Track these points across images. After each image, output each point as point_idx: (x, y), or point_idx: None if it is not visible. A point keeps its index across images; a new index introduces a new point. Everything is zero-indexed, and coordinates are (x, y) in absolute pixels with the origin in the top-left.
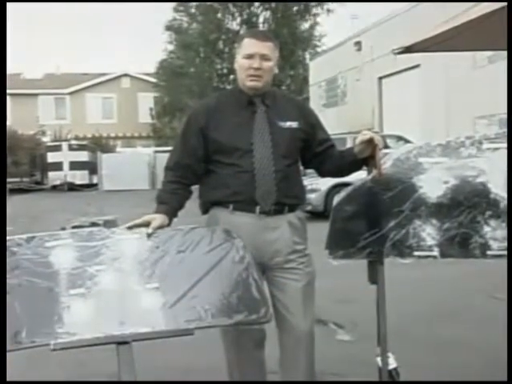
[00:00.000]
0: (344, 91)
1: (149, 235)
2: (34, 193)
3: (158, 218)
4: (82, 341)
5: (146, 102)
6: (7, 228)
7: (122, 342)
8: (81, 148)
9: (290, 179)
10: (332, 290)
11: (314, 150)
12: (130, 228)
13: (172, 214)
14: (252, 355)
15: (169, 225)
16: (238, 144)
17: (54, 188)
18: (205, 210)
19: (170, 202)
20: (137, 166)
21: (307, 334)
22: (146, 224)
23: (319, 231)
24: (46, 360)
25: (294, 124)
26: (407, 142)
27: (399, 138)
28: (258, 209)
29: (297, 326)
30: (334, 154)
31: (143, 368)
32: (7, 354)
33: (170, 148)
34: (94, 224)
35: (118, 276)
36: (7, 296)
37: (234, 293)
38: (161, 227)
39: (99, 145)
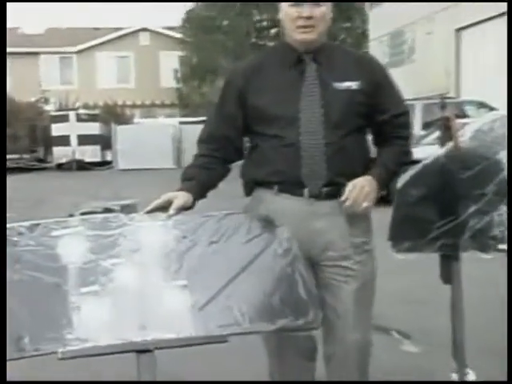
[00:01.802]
0: (412, 47)
1: (169, 217)
2: (36, 172)
3: (181, 197)
4: (96, 348)
5: (170, 62)
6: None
7: (143, 351)
8: (91, 118)
9: (347, 153)
10: (396, 291)
11: (376, 118)
12: (149, 212)
13: (198, 192)
14: (299, 369)
15: (192, 206)
16: (280, 111)
17: (60, 167)
18: (248, 191)
19: (197, 178)
20: (159, 140)
21: (359, 347)
22: (167, 204)
23: (380, 219)
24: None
25: (353, 85)
26: (491, 109)
27: (481, 105)
28: (306, 191)
29: (347, 335)
30: (391, 133)
31: (166, 379)
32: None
33: (198, 118)
34: (107, 210)
35: (138, 271)
36: (7, 295)
37: (277, 292)
38: (184, 208)
39: (113, 115)
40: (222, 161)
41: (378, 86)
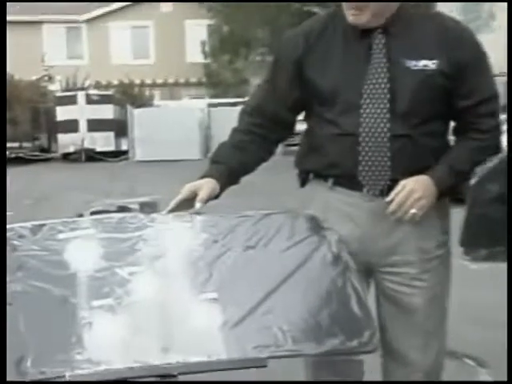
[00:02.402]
0: (491, 12)
1: (193, 213)
2: (39, 164)
3: (206, 186)
4: (110, 373)
5: (197, 33)
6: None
7: (165, 376)
8: (104, 100)
9: (417, 148)
10: (468, 307)
11: (456, 104)
12: (172, 211)
13: (228, 179)
14: None
15: (218, 195)
16: (340, 93)
17: (66, 157)
18: (302, 182)
19: (229, 161)
20: (183, 125)
21: (428, 375)
22: (192, 197)
23: (451, 220)
24: None
25: (430, 63)
26: None
27: None
28: (365, 188)
29: (413, 361)
30: (472, 123)
31: None
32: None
33: (230, 100)
34: (123, 208)
35: (160, 282)
36: (7, 307)
37: (325, 308)
38: (211, 198)
39: (129, 95)
40: (263, 139)
41: (465, 66)
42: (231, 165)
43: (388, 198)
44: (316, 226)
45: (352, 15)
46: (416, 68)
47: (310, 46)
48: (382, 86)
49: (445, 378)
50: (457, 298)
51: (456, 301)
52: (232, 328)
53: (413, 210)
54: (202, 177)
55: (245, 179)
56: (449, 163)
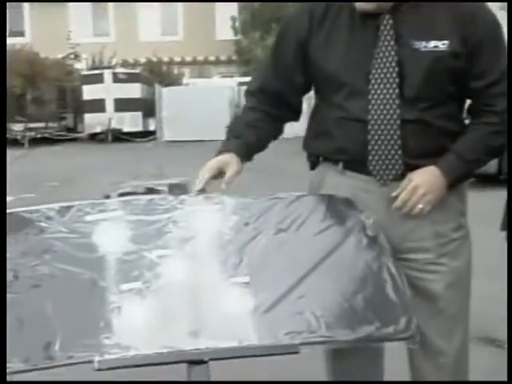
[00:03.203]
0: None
1: (227, 196)
2: (65, 144)
3: (231, 162)
4: (139, 358)
5: (227, 9)
6: (29, 195)
7: (195, 361)
8: (131, 79)
9: (429, 131)
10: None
11: (468, 85)
12: (201, 191)
13: (246, 154)
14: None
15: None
16: (345, 77)
17: (93, 138)
18: (311, 165)
19: (245, 137)
20: (213, 104)
21: (453, 361)
22: (220, 173)
23: (491, 203)
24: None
25: (440, 44)
26: None
27: None
28: (377, 175)
29: (438, 347)
30: (486, 105)
31: None
32: (37, 371)
33: None
34: (151, 190)
35: (190, 265)
36: (34, 290)
37: (360, 293)
38: (237, 175)
39: (157, 74)
40: (274, 118)
41: (479, 43)
42: (249, 140)
43: (394, 194)
44: (351, 209)
45: (360, 1)
46: (426, 49)
47: (314, 27)
48: (391, 70)
49: (483, 360)
50: (494, 284)
51: (493, 287)
52: (263, 313)
53: (419, 206)
54: (221, 151)
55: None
56: (458, 152)
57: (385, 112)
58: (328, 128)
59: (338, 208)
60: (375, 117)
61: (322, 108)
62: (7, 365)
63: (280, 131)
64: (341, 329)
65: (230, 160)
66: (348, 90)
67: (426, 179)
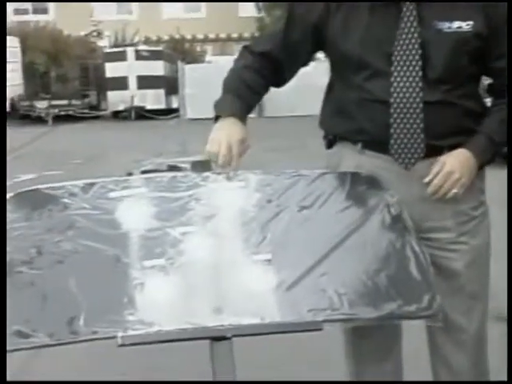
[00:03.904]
0: None
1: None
2: (88, 122)
3: (238, 133)
4: (162, 334)
5: None
6: (52, 172)
7: (218, 338)
8: (153, 56)
9: (452, 112)
10: None
11: (490, 65)
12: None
13: (245, 116)
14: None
15: None
16: (366, 59)
17: (116, 115)
18: (328, 144)
19: (246, 98)
20: None
21: (473, 338)
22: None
23: (500, 184)
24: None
25: (464, 25)
26: None
27: None
28: (400, 158)
29: (458, 325)
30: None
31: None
32: (62, 346)
33: None
34: (174, 168)
35: (213, 242)
36: (58, 266)
37: (383, 271)
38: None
39: (180, 51)
40: (267, 83)
41: (502, 25)
42: (248, 106)
43: (426, 179)
44: (375, 187)
45: None
46: (449, 30)
47: (331, 7)
48: (413, 52)
49: (490, 341)
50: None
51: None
52: (286, 290)
53: (454, 190)
54: (227, 113)
55: None
56: (487, 134)
57: (407, 95)
58: (347, 108)
59: (361, 185)
60: (397, 100)
61: (339, 87)
62: (30, 339)
63: (263, 96)
64: (363, 306)
65: (237, 130)
66: (369, 72)
67: (459, 163)
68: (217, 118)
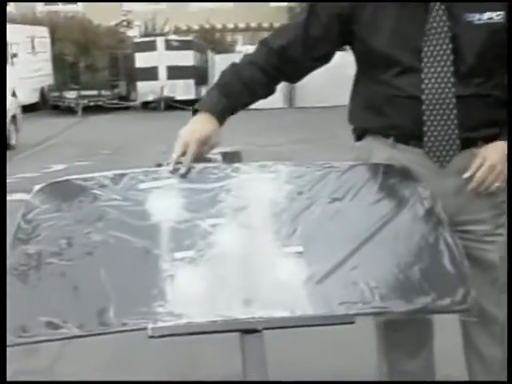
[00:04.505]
0: None
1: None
2: (118, 112)
3: (201, 131)
4: (192, 326)
5: None
6: (82, 163)
7: (248, 330)
8: (183, 46)
9: (486, 103)
10: None
11: None
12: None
13: (225, 116)
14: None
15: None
16: (396, 54)
17: (146, 106)
18: (357, 137)
19: (235, 99)
20: None
21: (501, 329)
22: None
23: None
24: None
25: (495, 16)
26: None
27: None
28: (435, 156)
29: (491, 316)
30: None
31: (275, 362)
32: (92, 337)
33: None
34: (204, 158)
35: (243, 234)
36: (88, 257)
37: (416, 264)
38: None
39: (210, 41)
40: (274, 83)
41: None
42: (236, 104)
43: (467, 174)
44: (407, 179)
45: None
46: (480, 22)
47: (357, 3)
48: (444, 47)
49: None
50: None
51: None
52: (317, 283)
53: (496, 184)
54: (204, 108)
55: None
56: None
57: (439, 91)
58: (378, 104)
59: (394, 178)
60: (429, 96)
61: (366, 82)
62: (61, 330)
63: (265, 96)
64: (395, 300)
65: (209, 130)
66: (399, 68)
67: (499, 156)
68: (196, 111)
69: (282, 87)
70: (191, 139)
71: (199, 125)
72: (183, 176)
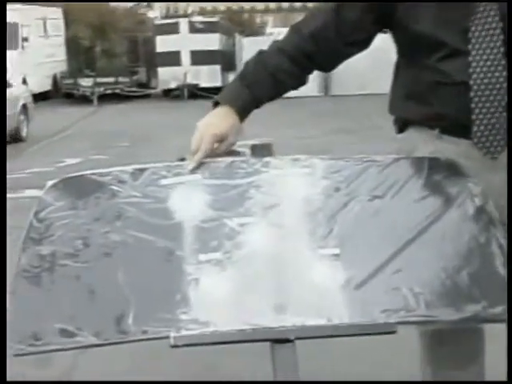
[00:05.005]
0: None
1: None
2: (137, 101)
3: (218, 126)
4: (218, 335)
5: None
6: (98, 156)
7: (280, 340)
8: (209, 28)
9: None
10: None
11: None
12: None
13: (247, 112)
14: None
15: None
16: (441, 36)
17: (167, 94)
18: (399, 129)
19: (260, 94)
20: None
21: None
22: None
23: None
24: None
25: None
26: None
27: None
28: (484, 147)
29: None
30: None
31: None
32: (109, 347)
33: None
34: (231, 152)
35: (274, 235)
36: (105, 259)
37: (466, 268)
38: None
39: (238, 23)
40: (305, 73)
41: None
42: (261, 97)
43: None
44: (456, 174)
45: None
46: None
47: None
48: (494, 25)
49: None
50: None
51: None
52: (355, 288)
53: None
54: (224, 101)
55: None
56: None
57: (489, 75)
58: (421, 92)
59: (440, 173)
60: (478, 81)
61: (409, 69)
62: (76, 339)
63: (295, 87)
64: (443, 307)
65: (228, 126)
66: (444, 51)
67: None
68: (217, 104)
69: (316, 73)
70: (206, 134)
71: (217, 118)
72: (192, 172)
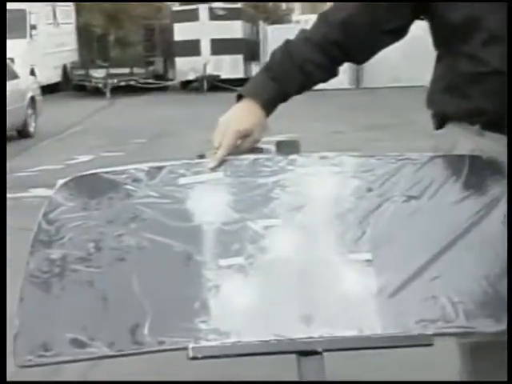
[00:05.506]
0: None
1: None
2: (153, 94)
3: (240, 122)
4: (240, 346)
5: None
6: (112, 153)
7: (307, 352)
8: (231, 15)
9: None
10: None
11: None
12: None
13: (273, 106)
14: None
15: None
16: (479, 22)
17: (186, 86)
18: (437, 125)
19: (287, 87)
20: None
21: None
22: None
23: None
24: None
25: None
26: None
27: None
28: None
29: None
30: None
31: None
32: (123, 357)
33: None
34: (255, 149)
35: (301, 238)
36: (119, 264)
37: (507, 275)
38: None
39: (262, 10)
40: (335, 63)
41: None
42: (287, 90)
43: None
44: (498, 173)
45: None
46: None
47: None
48: None
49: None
50: None
51: None
52: (389, 297)
53: None
54: (248, 94)
55: None
56: None
57: None
58: (458, 84)
59: (482, 172)
60: None
61: (447, 59)
62: (88, 349)
63: (324, 79)
64: (483, 318)
65: (252, 122)
66: (482, 37)
67: None
68: (241, 97)
69: (346, 65)
70: (228, 129)
71: (240, 113)
72: (212, 170)
